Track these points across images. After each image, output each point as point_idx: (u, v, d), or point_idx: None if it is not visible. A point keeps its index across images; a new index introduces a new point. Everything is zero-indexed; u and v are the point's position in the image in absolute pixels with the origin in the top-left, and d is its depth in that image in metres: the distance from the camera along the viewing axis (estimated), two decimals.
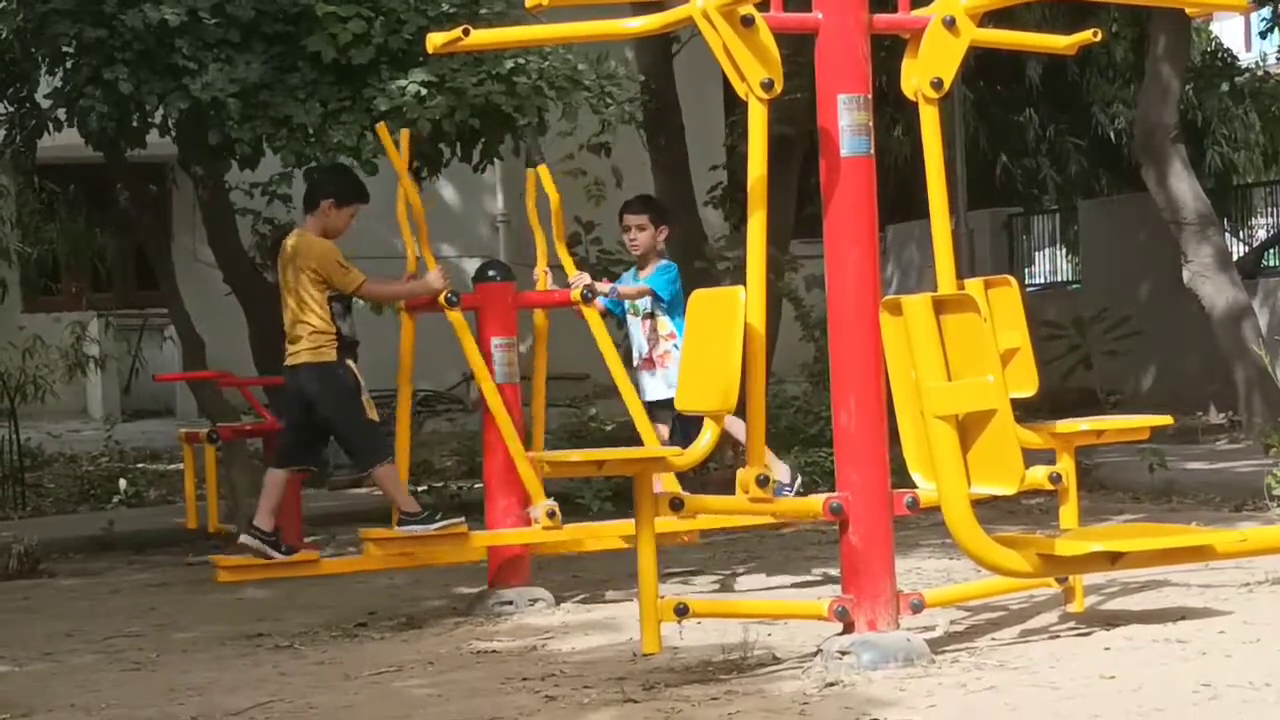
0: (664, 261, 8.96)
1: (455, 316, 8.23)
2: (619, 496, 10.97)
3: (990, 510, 9.38)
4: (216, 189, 12.94)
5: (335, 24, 11.06)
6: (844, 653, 6.08)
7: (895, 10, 6.58)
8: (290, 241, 8.37)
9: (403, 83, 11.02)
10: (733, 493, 6.37)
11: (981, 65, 20.38)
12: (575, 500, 10.97)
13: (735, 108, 17.10)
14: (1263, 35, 25.40)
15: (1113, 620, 6.78)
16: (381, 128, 8.84)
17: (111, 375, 19.48)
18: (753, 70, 6.12)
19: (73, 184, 16.33)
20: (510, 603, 8.15)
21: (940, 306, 5.78)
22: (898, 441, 6.09)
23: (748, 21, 6.10)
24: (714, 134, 18.42)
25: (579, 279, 8.71)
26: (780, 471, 8.16)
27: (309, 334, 8.15)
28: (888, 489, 6.28)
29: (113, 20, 10.83)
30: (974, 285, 6.76)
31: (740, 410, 6.26)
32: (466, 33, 6.54)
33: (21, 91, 12.20)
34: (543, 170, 8.88)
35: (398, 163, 8.57)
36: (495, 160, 12.39)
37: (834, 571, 7.64)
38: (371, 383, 8.57)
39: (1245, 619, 6.66)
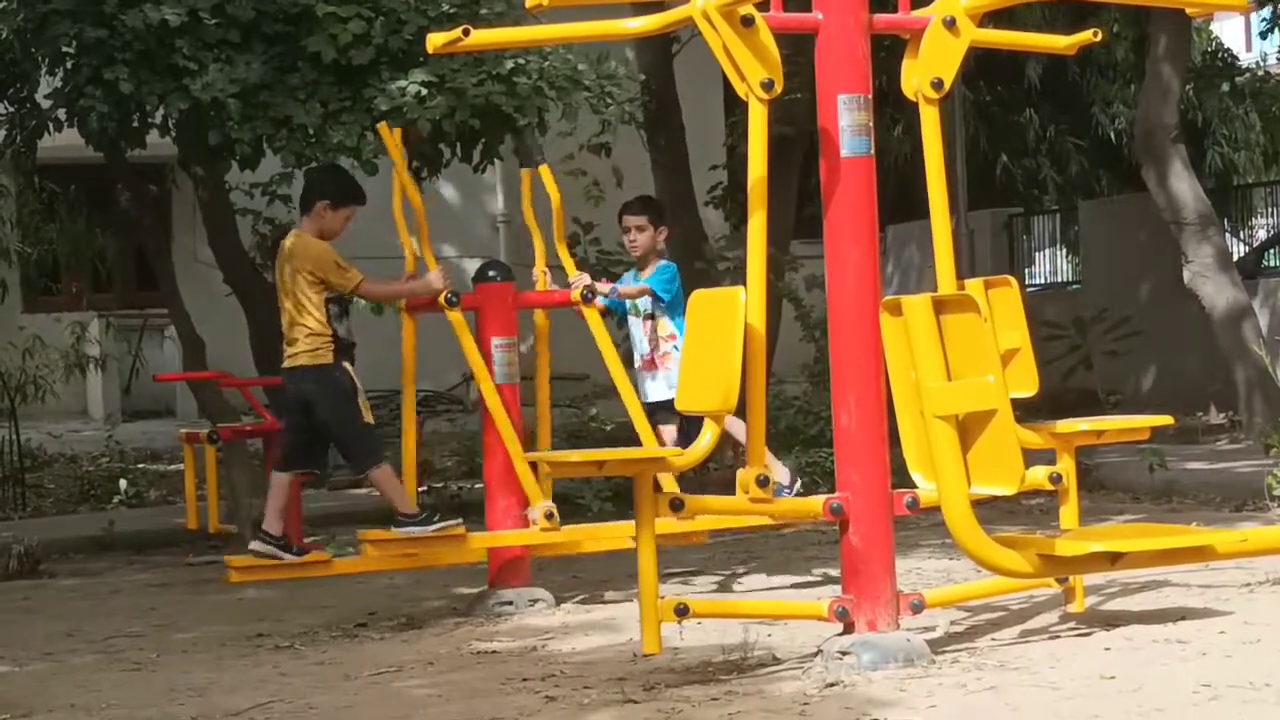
0: (664, 262, 8.96)
1: (455, 317, 8.23)
2: (619, 497, 10.97)
3: (990, 510, 9.38)
4: (216, 189, 12.95)
5: (335, 24, 11.07)
6: (844, 653, 6.07)
7: (895, 10, 6.58)
8: (287, 243, 8.37)
9: (403, 83, 11.02)
10: (733, 493, 6.37)
11: (982, 65, 20.38)
12: (575, 500, 10.97)
13: (735, 108, 17.09)
14: (1263, 35, 25.38)
15: (1113, 620, 6.77)
16: (383, 127, 8.84)
17: (112, 376, 19.49)
18: (753, 70, 6.12)
19: (73, 184, 16.31)
20: (510, 603, 8.15)
21: (940, 307, 5.78)
22: (898, 442, 6.09)
23: (748, 21, 6.10)
24: (714, 134, 18.42)
25: (579, 279, 8.71)
26: (780, 473, 8.16)
27: (306, 336, 8.15)
28: (888, 489, 6.28)
29: (113, 20, 10.83)
30: (974, 285, 6.76)
31: (740, 410, 6.26)
32: (466, 33, 6.54)
33: (22, 92, 12.21)
34: (544, 170, 8.87)
35: (400, 163, 8.56)
36: (495, 160, 12.39)
37: (834, 572, 7.64)
38: (371, 384, 8.57)
39: (1246, 619, 6.65)
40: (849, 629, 6.20)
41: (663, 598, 6.21)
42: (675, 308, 8.65)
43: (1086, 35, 7.18)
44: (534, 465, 7.97)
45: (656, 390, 8.79)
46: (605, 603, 8.28)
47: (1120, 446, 9.69)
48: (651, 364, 8.89)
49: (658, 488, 6.87)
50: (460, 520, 8.27)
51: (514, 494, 8.23)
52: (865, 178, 6.30)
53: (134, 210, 13.78)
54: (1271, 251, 19.64)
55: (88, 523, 12.37)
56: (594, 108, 12.72)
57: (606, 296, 8.80)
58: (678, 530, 8.14)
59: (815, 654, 6.24)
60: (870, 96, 6.33)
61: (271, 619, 8.42)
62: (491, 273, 8.55)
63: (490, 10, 11.42)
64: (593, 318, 8.56)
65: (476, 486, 10.38)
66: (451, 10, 11.23)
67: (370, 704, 6.29)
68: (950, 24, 6.39)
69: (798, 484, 8.63)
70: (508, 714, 5.87)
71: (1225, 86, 23.77)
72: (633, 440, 8.72)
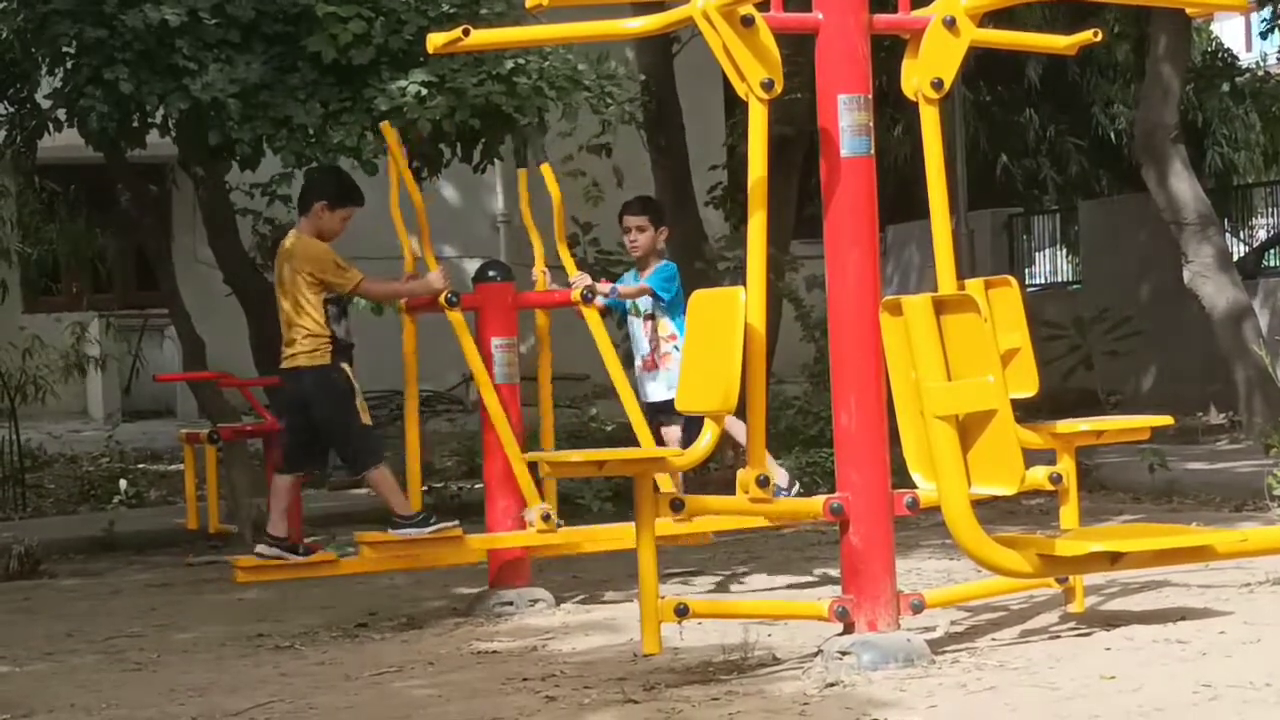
0: (664, 262, 8.97)
1: (455, 317, 8.23)
2: (619, 497, 10.97)
3: (990, 510, 9.38)
4: (217, 189, 12.95)
5: (335, 24, 11.07)
6: (844, 653, 6.07)
7: (895, 10, 6.58)
8: (286, 243, 8.37)
9: (403, 83, 11.02)
10: (733, 493, 6.37)
11: (981, 65, 20.37)
12: (575, 501, 10.97)
13: (735, 108, 17.10)
14: (1263, 35, 25.38)
15: (1113, 621, 6.77)
16: (386, 126, 8.83)
17: (112, 376, 19.49)
18: (753, 70, 6.12)
19: (73, 184, 16.32)
20: (510, 603, 8.15)
21: (940, 307, 5.78)
22: (898, 442, 6.09)
23: (748, 22, 6.10)
24: (714, 134, 18.42)
25: (579, 279, 8.72)
26: (779, 476, 8.16)
27: (304, 337, 8.14)
28: (888, 489, 6.28)
29: (113, 20, 10.83)
30: (974, 285, 6.76)
31: (740, 411, 6.27)
32: (467, 33, 6.54)
33: (22, 92, 12.21)
34: (545, 168, 8.87)
35: (402, 163, 8.56)
36: (495, 160, 12.39)
37: (834, 572, 7.64)
38: (371, 384, 8.57)
39: (1245, 619, 6.65)
40: (849, 629, 6.20)
41: (663, 598, 6.21)
42: (676, 308, 8.65)
43: (1086, 35, 7.18)
44: (534, 466, 7.96)
45: (657, 390, 8.79)
46: (605, 603, 8.28)
47: (1120, 447, 9.69)
48: (652, 364, 8.89)
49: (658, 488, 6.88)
50: (457, 522, 8.26)
51: (514, 494, 8.23)
52: (865, 178, 6.30)
53: (134, 210, 13.79)
54: (1271, 251, 19.64)
55: (88, 523, 12.37)
56: (594, 108, 12.72)
57: (606, 297, 8.80)
58: (679, 532, 8.15)
59: (815, 654, 6.24)
60: (870, 96, 6.33)
61: (272, 619, 8.42)
62: (491, 273, 8.55)
63: (490, 10, 11.43)
64: (592, 318, 8.56)
65: (477, 487, 10.38)
66: (451, 10, 11.24)
67: (371, 704, 6.29)
68: (950, 24, 6.39)
69: (796, 486, 8.63)
70: (508, 714, 5.87)
71: (1225, 86, 23.78)
72: (633, 441, 8.72)
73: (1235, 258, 16.60)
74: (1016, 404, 5.92)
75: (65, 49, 11.15)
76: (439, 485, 12.15)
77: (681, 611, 6.16)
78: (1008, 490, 5.78)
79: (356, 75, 11.20)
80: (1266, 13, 21.90)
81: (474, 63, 11.20)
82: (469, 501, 11.22)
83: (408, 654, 7.23)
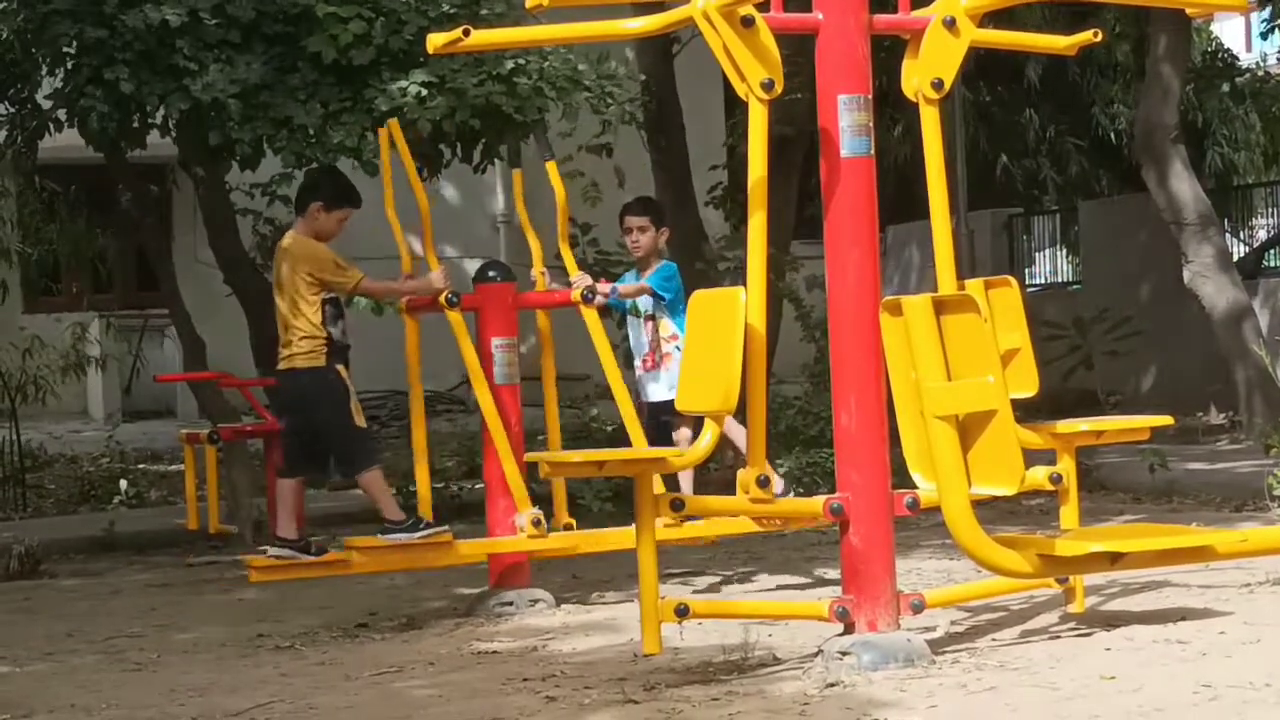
0: (664, 262, 8.97)
1: (455, 317, 8.23)
2: (619, 497, 10.96)
3: (990, 511, 9.38)
4: (217, 190, 12.94)
5: (336, 25, 11.07)
6: (844, 653, 6.07)
7: (895, 10, 6.58)
8: (285, 242, 8.36)
9: (403, 83, 11.02)
10: (733, 493, 6.37)
11: (981, 66, 20.38)
12: (576, 501, 10.96)
13: (735, 108, 17.09)
14: (1263, 36, 25.37)
15: (1113, 621, 6.77)
16: (394, 124, 8.81)
17: (112, 376, 19.49)
18: (753, 70, 6.12)
19: (73, 184, 16.30)
20: (511, 604, 8.15)
21: (940, 307, 5.78)
22: (898, 442, 6.10)
23: (748, 22, 6.10)
24: (714, 134, 18.42)
25: (580, 279, 8.72)
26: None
27: (300, 338, 8.13)
28: (888, 490, 6.28)
29: (113, 21, 10.83)
30: (974, 286, 6.76)
31: (741, 411, 6.26)
32: (467, 33, 6.54)
33: (22, 92, 12.20)
34: (550, 166, 8.88)
35: (408, 161, 8.56)
36: (495, 160, 12.39)
37: (834, 572, 7.64)
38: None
39: (1246, 619, 6.65)
40: (849, 629, 6.20)
41: (663, 598, 6.22)
42: (676, 308, 8.66)
43: (1086, 35, 7.19)
44: (534, 466, 7.96)
45: (658, 391, 8.80)
46: (606, 603, 8.28)
47: (1120, 447, 9.69)
48: (653, 364, 8.89)
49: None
50: (447, 527, 8.24)
51: (514, 494, 8.22)
52: (865, 178, 6.30)
53: (134, 211, 13.78)
54: (1272, 252, 19.63)
55: (88, 523, 12.37)
56: (594, 108, 12.72)
57: (607, 297, 8.80)
58: (678, 535, 8.16)
59: (816, 654, 6.24)
60: (870, 97, 6.33)
61: (272, 619, 8.42)
62: (491, 273, 8.55)
63: (490, 10, 11.42)
64: (591, 318, 8.56)
65: (477, 487, 10.38)
66: (451, 10, 11.23)
67: (371, 704, 6.29)
68: (950, 24, 6.39)
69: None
70: (508, 714, 5.87)
71: (1225, 87, 23.78)
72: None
73: (1235, 258, 16.59)
74: (1016, 404, 5.92)
75: (65, 49, 11.15)
76: (439, 486, 12.14)
77: (682, 612, 6.17)
78: (1008, 490, 5.78)
79: (357, 75, 11.19)
80: (1266, 13, 21.89)
81: (474, 63, 11.19)
82: (469, 502, 11.23)
83: (408, 654, 7.24)
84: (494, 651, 7.17)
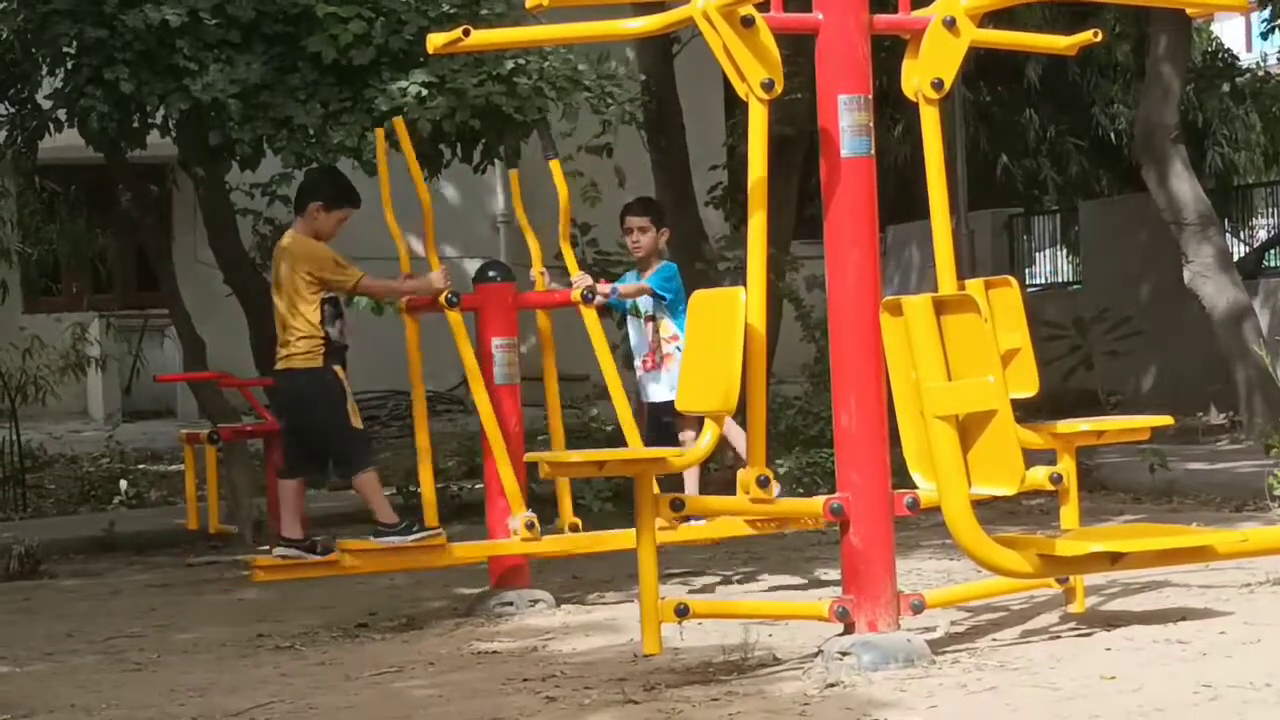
0: (664, 262, 8.97)
1: (454, 317, 8.23)
2: (619, 497, 10.96)
3: (990, 511, 9.37)
4: (217, 190, 12.95)
5: (336, 25, 11.07)
6: (844, 653, 6.07)
7: (895, 10, 6.58)
8: (284, 242, 8.35)
9: (403, 83, 11.02)
10: (733, 493, 6.37)
11: (981, 66, 20.37)
12: (576, 501, 10.94)
13: (735, 108, 17.08)
14: (1263, 36, 25.37)
15: (1113, 621, 6.77)
16: (399, 122, 8.80)
17: (112, 376, 19.48)
18: (753, 70, 6.12)
19: (73, 185, 16.30)
20: (511, 604, 8.15)
21: (941, 307, 5.78)
22: (898, 442, 6.09)
23: (748, 22, 6.10)
24: (714, 134, 18.41)
25: (580, 279, 8.71)
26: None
27: (298, 338, 8.12)
28: (888, 490, 6.28)
29: (113, 21, 10.83)
30: (974, 286, 6.76)
31: (741, 411, 6.26)
32: (467, 33, 6.54)
33: (22, 92, 12.20)
34: (554, 165, 8.87)
35: (412, 159, 8.56)
36: (495, 160, 12.39)
37: (834, 572, 7.64)
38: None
39: (1246, 620, 6.65)
40: (849, 629, 6.20)
41: (663, 598, 6.21)
42: (677, 308, 8.65)
43: (1086, 35, 7.18)
44: (533, 466, 7.95)
45: (659, 392, 8.80)
46: (606, 603, 8.28)
47: (1121, 447, 9.69)
48: (654, 365, 8.90)
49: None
50: (440, 530, 8.23)
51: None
52: (865, 178, 6.30)
53: (134, 211, 13.79)
54: (1272, 252, 19.63)
55: (88, 523, 12.37)
56: (594, 108, 12.72)
57: (607, 298, 8.80)
58: (677, 539, 8.16)
59: (816, 654, 6.24)
60: (870, 97, 6.33)
61: (272, 619, 8.42)
62: (491, 273, 8.55)
63: (490, 10, 11.42)
64: (590, 318, 8.56)
65: (477, 487, 10.38)
66: (451, 10, 11.23)
67: (371, 704, 6.29)
68: (950, 24, 6.39)
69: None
70: (508, 714, 5.87)
71: (1225, 87, 23.77)
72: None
73: (1235, 258, 16.59)
74: (1016, 404, 5.92)
75: (65, 49, 11.15)
76: (439, 486, 12.12)
77: (682, 612, 6.16)
78: (1008, 490, 5.78)
79: (357, 75, 11.20)
80: (1266, 13, 21.88)
81: (474, 63, 11.19)
82: (469, 502, 11.22)
83: (408, 654, 7.23)
84: (494, 651, 7.17)
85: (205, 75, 10.92)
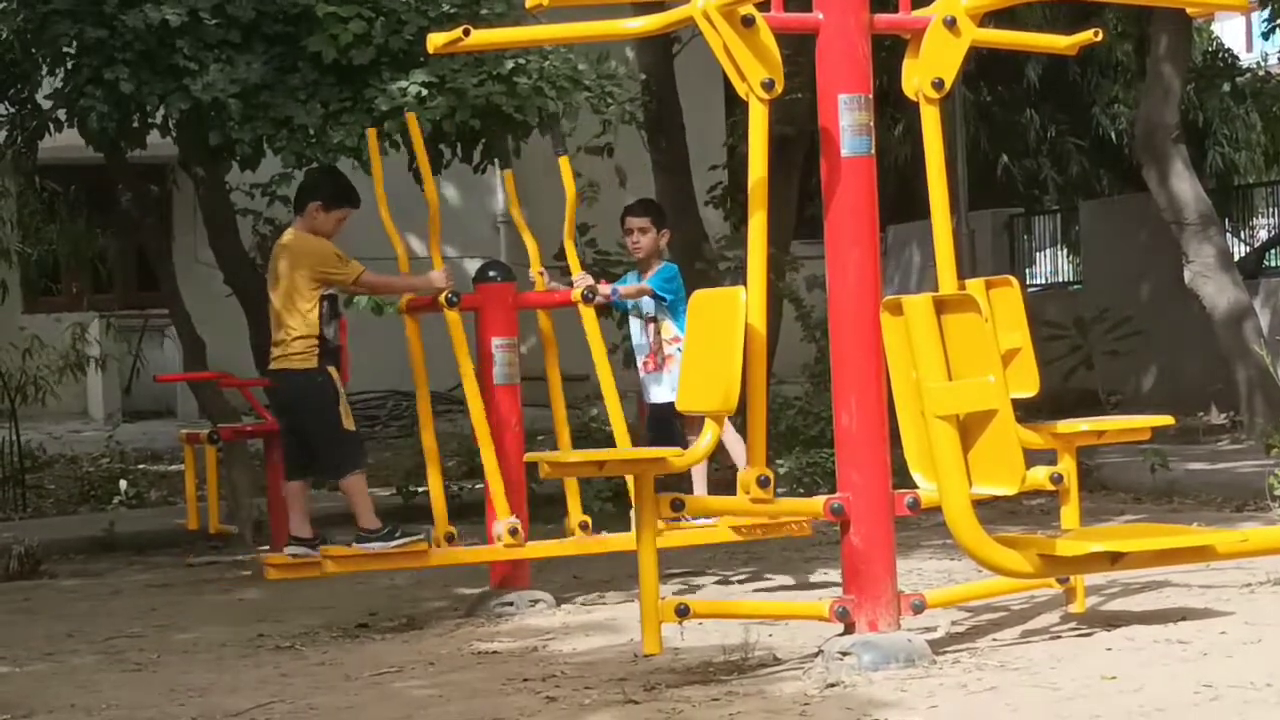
0: (665, 263, 8.97)
1: (453, 317, 8.22)
2: (619, 498, 10.95)
3: (991, 511, 9.37)
4: (217, 190, 12.94)
5: (336, 24, 11.06)
6: (845, 653, 6.07)
7: (896, 10, 6.58)
8: (284, 240, 8.34)
9: (403, 83, 11.01)
10: (732, 494, 6.37)
11: (982, 65, 20.37)
12: None
13: (736, 108, 17.09)
14: (1264, 36, 25.39)
15: (1114, 621, 6.77)
16: (411, 118, 8.79)
17: (112, 376, 19.47)
18: (753, 70, 6.12)
19: (73, 185, 16.29)
20: (511, 604, 8.15)
21: (941, 306, 5.78)
22: (898, 442, 6.09)
23: (748, 22, 6.10)
24: (714, 134, 18.41)
25: (581, 279, 8.71)
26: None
27: (295, 338, 8.11)
28: (889, 490, 6.27)
29: (113, 21, 10.83)
30: (975, 285, 6.76)
31: (741, 411, 6.26)
32: (467, 33, 6.54)
33: (22, 92, 12.19)
34: (563, 162, 8.86)
35: (421, 153, 8.54)
36: (495, 160, 12.38)
37: (835, 573, 7.64)
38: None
39: (1246, 619, 6.65)
40: (850, 629, 6.20)
41: (663, 598, 6.21)
42: (678, 309, 8.65)
43: (1087, 35, 7.18)
44: (532, 467, 7.95)
45: (660, 393, 8.80)
46: (606, 603, 8.28)
47: (1121, 447, 9.68)
48: (655, 366, 8.89)
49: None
50: (422, 535, 8.21)
51: (514, 495, 8.22)
52: (866, 178, 6.30)
53: (134, 211, 13.77)
54: (1272, 251, 19.63)
55: (88, 523, 12.37)
56: (594, 108, 12.71)
57: (608, 299, 8.80)
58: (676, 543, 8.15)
59: (816, 654, 6.24)
60: (871, 96, 6.33)
61: (272, 620, 8.42)
62: (492, 273, 8.54)
63: (490, 10, 11.41)
64: (589, 318, 8.55)
65: (477, 487, 10.38)
66: (452, 10, 11.22)
67: (371, 704, 6.29)
68: (951, 24, 6.39)
69: None
70: (508, 714, 5.86)
71: (1226, 87, 23.77)
72: (634, 441, 8.72)
73: (1236, 258, 16.59)
74: (1017, 404, 5.91)
75: (65, 49, 11.14)
76: None
77: (682, 612, 6.16)
78: (1008, 490, 5.78)
79: (357, 75, 11.19)
80: (1267, 13, 21.89)
81: (474, 63, 11.18)
82: (469, 502, 11.21)
83: (408, 654, 7.23)
84: (494, 652, 7.17)
85: (205, 75, 10.91)
